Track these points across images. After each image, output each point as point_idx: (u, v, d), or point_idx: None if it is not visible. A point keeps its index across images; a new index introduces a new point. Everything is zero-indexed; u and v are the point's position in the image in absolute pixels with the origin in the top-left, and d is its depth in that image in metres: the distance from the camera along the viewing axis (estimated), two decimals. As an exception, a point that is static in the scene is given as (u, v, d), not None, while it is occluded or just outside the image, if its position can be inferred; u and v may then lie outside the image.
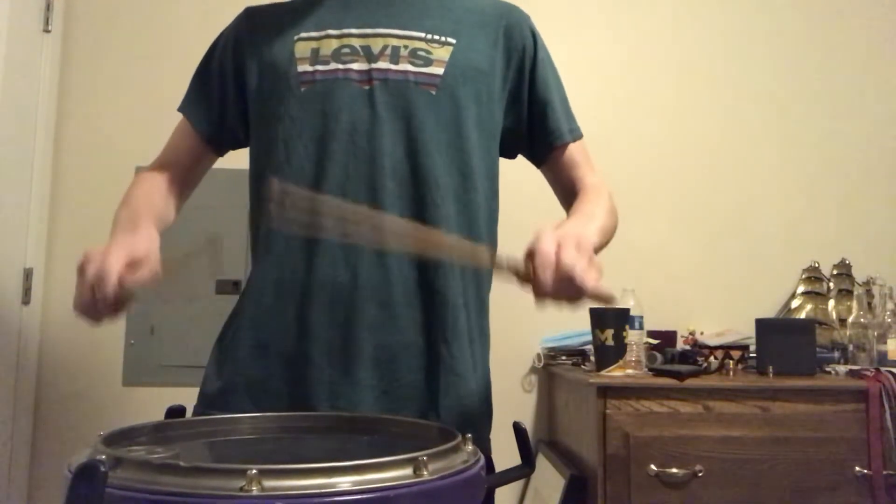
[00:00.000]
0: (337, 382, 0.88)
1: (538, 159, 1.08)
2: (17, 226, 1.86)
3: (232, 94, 1.05)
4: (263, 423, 0.80)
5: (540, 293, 0.74)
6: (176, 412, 0.82)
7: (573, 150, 1.06)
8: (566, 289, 0.73)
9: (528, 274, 0.75)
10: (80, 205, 2.02)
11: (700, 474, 1.47)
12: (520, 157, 1.11)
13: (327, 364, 0.88)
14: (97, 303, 0.79)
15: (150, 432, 0.71)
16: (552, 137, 1.04)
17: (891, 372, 1.57)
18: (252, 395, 0.90)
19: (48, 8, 1.96)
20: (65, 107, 2.03)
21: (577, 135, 1.06)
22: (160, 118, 2.04)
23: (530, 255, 0.75)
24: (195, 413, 0.93)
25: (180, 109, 1.09)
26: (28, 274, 1.89)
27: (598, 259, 0.77)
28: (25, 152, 1.89)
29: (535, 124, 1.05)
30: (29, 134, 1.91)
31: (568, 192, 1.06)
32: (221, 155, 1.12)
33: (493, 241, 1.01)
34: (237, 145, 1.10)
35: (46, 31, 1.96)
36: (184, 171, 1.08)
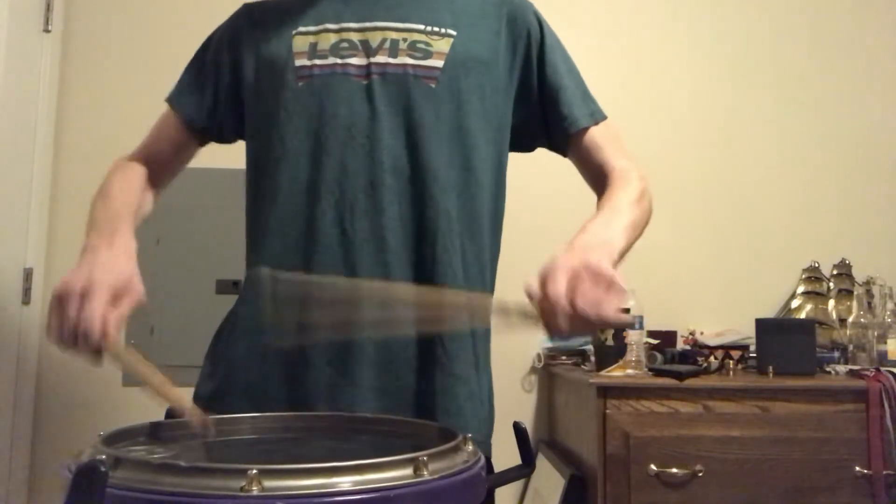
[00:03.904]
0: (336, 384, 0.87)
1: (560, 148, 1.04)
2: (17, 226, 1.86)
3: (225, 88, 1.03)
4: (263, 423, 0.79)
5: (554, 335, 0.71)
6: (176, 412, 0.82)
7: (596, 133, 1.01)
8: (583, 327, 0.70)
9: (539, 317, 0.71)
10: (80, 205, 1.99)
11: (700, 474, 1.47)
12: (526, 156, 1.08)
13: (326, 365, 0.87)
14: (79, 349, 0.77)
15: (150, 432, 0.71)
16: (567, 124, 1.00)
17: (891, 372, 1.57)
18: (250, 396, 0.89)
19: (48, 8, 1.96)
20: (65, 107, 2.03)
21: (598, 117, 1.01)
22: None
23: (542, 297, 0.70)
24: None
25: (168, 100, 1.08)
26: (28, 274, 1.89)
27: (621, 272, 0.73)
28: (25, 152, 1.89)
29: (549, 113, 1.01)
30: (29, 134, 1.91)
31: (597, 176, 1.00)
32: (203, 145, 1.10)
33: (496, 237, 0.99)
34: (221, 139, 1.08)
35: (46, 31, 1.96)
36: (165, 161, 1.07)
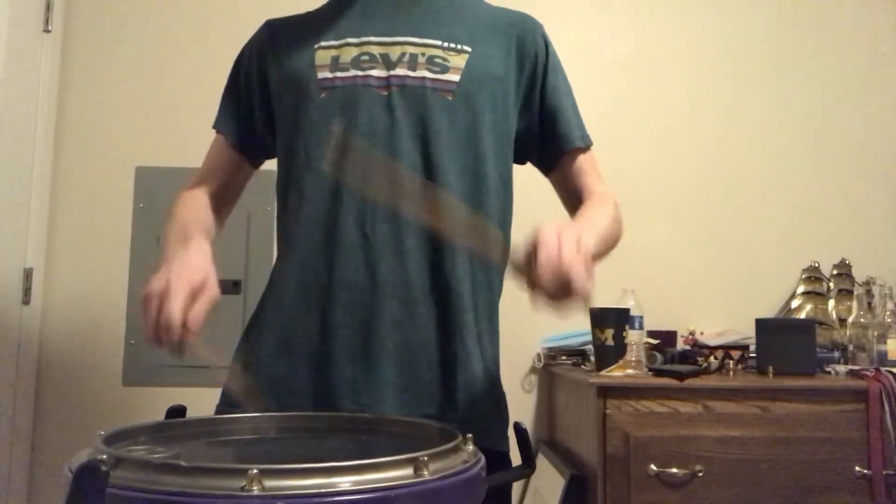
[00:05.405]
0: (359, 380, 0.90)
1: (547, 166, 1.10)
2: (17, 226, 1.87)
3: (258, 104, 1.07)
4: (263, 423, 0.80)
5: (537, 284, 0.74)
6: (176, 412, 0.82)
7: (582, 159, 1.07)
8: (561, 283, 0.73)
9: (528, 264, 0.74)
10: (80, 205, 2.02)
11: (700, 474, 1.47)
12: (528, 165, 1.12)
13: (349, 362, 0.91)
14: (165, 346, 0.80)
15: (151, 432, 0.71)
16: (562, 143, 1.06)
17: (891, 372, 1.57)
18: (276, 394, 0.92)
19: (48, 8, 1.96)
20: (65, 107, 2.03)
21: (587, 142, 1.08)
22: (160, 118, 2.06)
23: (532, 248, 0.75)
24: (218, 412, 0.95)
25: (214, 127, 1.12)
26: (28, 274, 1.89)
27: (594, 266, 0.77)
28: (25, 152, 1.90)
29: (545, 130, 1.06)
30: (29, 134, 1.91)
31: (574, 200, 1.07)
32: (257, 166, 1.15)
33: (504, 243, 1.02)
34: (269, 154, 1.12)
35: (46, 31, 1.96)
36: (222, 185, 1.10)
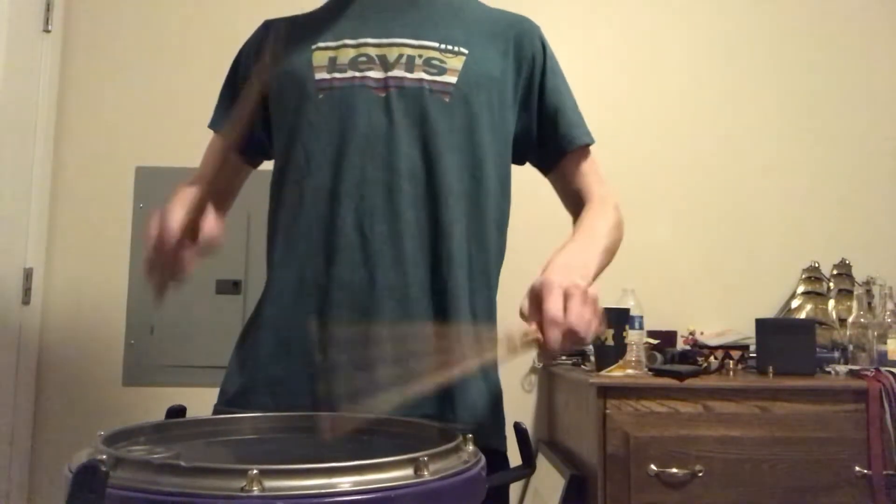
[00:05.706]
0: (357, 380, 0.90)
1: (547, 166, 1.10)
2: (17, 226, 1.86)
3: (257, 104, 1.06)
4: (263, 423, 0.80)
5: (548, 351, 0.74)
6: (176, 412, 0.82)
7: (582, 160, 1.07)
8: (571, 344, 0.75)
9: (536, 337, 0.74)
10: (80, 205, 2.02)
11: (700, 474, 1.47)
12: (527, 166, 1.12)
13: (347, 363, 0.91)
14: (163, 256, 0.82)
15: (151, 432, 0.71)
16: (563, 143, 1.06)
17: (891, 372, 1.57)
18: (274, 393, 0.92)
19: (48, 8, 1.96)
20: (65, 107, 2.03)
21: (588, 140, 1.08)
22: (160, 118, 2.06)
23: (539, 316, 0.75)
24: (215, 412, 0.95)
25: (210, 126, 1.12)
26: (28, 274, 1.89)
27: (596, 292, 0.78)
28: (25, 152, 1.89)
29: (545, 131, 1.06)
30: (29, 134, 1.91)
31: (575, 201, 1.07)
32: (255, 166, 1.15)
33: (501, 243, 1.03)
34: (267, 155, 1.12)
35: (46, 31, 1.96)
36: (221, 185, 1.10)
